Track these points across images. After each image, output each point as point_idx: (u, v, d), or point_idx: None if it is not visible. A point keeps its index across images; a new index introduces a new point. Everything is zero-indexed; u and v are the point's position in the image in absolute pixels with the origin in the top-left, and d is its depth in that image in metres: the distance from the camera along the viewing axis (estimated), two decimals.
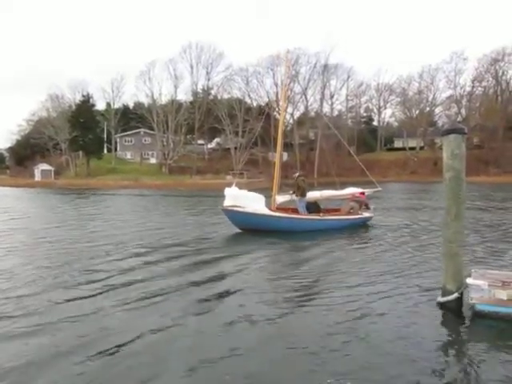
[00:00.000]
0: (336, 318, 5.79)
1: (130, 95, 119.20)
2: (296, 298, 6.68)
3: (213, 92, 76.59)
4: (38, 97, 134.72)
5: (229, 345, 4.95)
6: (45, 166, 68.67)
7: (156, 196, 35.25)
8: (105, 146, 75.60)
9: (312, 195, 14.92)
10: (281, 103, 14.98)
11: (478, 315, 5.72)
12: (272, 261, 9.58)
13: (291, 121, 75.44)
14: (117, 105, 78.16)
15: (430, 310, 6.05)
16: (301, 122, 73.71)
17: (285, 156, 70.40)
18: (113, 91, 75.52)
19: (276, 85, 70.47)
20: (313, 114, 76.03)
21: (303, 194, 14.02)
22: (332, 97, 74.34)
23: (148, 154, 77.78)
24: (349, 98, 77.58)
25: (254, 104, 71.88)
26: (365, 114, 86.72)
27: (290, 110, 73.66)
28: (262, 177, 55.95)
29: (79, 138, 63.70)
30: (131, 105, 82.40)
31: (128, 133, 78.96)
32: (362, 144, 74.37)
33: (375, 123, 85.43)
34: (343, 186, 16.18)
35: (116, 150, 78.05)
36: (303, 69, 71.30)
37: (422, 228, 14.26)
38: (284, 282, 7.69)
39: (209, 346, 4.96)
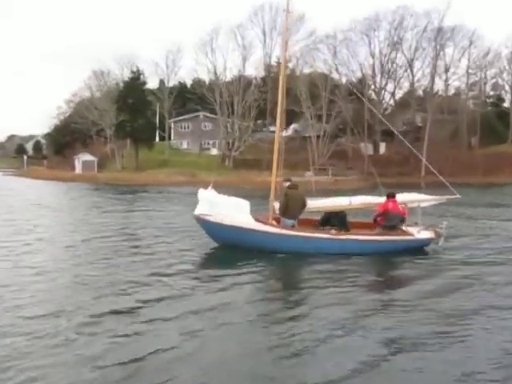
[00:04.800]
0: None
1: (188, 70, 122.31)
2: None
3: (290, 65, 76.79)
4: (80, 74, 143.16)
5: None
6: (87, 157, 72.43)
7: None
8: (157, 132, 78.29)
9: (337, 202, 13.77)
10: (281, 77, 13.84)
11: None
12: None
13: (391, 102, 73.77)
14: (172, 82, 79.84)
15: None
16: (404, 103, 71.76)
17: (383, 147, 69.05)
18: (167, 66, 77.15)
19: (373, 55, 69.22)
20: (421, 92, 73.64)
21: (286, 213, 13.00)
22: (447, 70, 71.31)
23: (208, 144, 79.52)
24: (470, 71, 73.97)
25: (344, 80, 71.06)
26: (492, 93, 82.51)
27: (390, 87, 72.20)
28: (352, 174, 55.19)
29: (127, 123, 66.20)
30: (189, 82, 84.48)
31: (185, 117, 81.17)
32: (488, 133, 70.79)
33: (506, 105, 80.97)
34: (409, 190, 14.75)
35: (170, 137, 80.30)
36: (409, 34, 69.41)
37: None
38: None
39: None
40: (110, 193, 38.96)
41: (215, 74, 71.46)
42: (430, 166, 14.69)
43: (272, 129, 74.85)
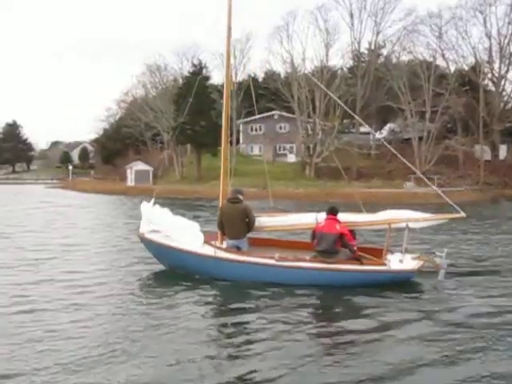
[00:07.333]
0: None
1: (260, 62, 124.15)
2: None
3: (385, 52, 76.26)
4: (134, 69, 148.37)
5: None
6: (141, 166, 74.63)
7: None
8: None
9: (300, 220, 13.51)
10: (225, 90, 13.28)
11: None
12: None
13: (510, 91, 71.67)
14: (240, 76, 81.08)
15: None
16: None
17: (503, 150, 67.16)
18: (235, 57, 78.00)
19: (489, 37, 67.60)
20: None
21: (223, 233, 13.18)
22: None
23: (284, 149, 79.88)
24: None
25: (452, 69, 69.79)
26: None
27: (511, 75, 70.19)
28: (464, 184, 54.07)
29: (187, 126, 67.39)
30: (261, 76, 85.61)
31: (256, 117, 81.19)
32: None
33: None
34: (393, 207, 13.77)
35: (238, 142, 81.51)
36: None
37: None
38: None
39: None
40: (170, 208, 39.72)
41: (292, 64, 71.92)
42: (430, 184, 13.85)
43: (363, 130, 74.54)
